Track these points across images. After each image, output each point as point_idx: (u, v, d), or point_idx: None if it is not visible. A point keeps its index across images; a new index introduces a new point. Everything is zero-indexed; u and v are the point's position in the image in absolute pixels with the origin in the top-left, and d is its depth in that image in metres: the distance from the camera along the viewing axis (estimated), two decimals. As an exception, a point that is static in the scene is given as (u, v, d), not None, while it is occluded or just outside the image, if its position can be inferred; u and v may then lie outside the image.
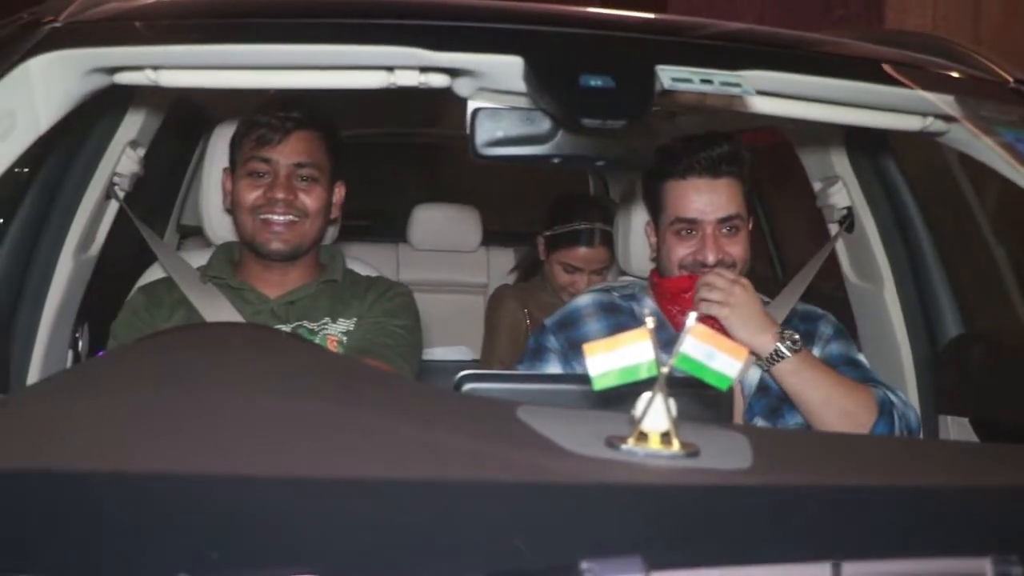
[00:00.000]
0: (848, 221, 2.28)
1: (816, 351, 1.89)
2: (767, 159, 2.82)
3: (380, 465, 0.89)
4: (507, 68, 1.39)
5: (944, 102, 1.51)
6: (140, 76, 1.46)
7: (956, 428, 2.09)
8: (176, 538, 0.77)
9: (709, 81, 1.35)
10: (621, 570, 0.75)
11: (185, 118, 2.69)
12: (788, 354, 1.74)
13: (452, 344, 3.18)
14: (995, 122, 1.44)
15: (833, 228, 2.33)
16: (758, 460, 0.99)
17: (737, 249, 1.86)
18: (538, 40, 1.41)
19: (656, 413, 1.00)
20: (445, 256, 3.57)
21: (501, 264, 3.56)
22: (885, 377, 2.12)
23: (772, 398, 1.84)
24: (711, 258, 1.85)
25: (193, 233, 3.02)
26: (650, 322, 1.01)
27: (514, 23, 1.44)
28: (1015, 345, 2.12)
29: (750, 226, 1.94)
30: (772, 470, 0.97)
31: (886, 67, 1.54)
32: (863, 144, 2.23)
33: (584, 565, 0.75)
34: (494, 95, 1.51)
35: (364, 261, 2.31)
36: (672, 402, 1.00)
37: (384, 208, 3.79)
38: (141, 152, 2.16)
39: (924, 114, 1.61)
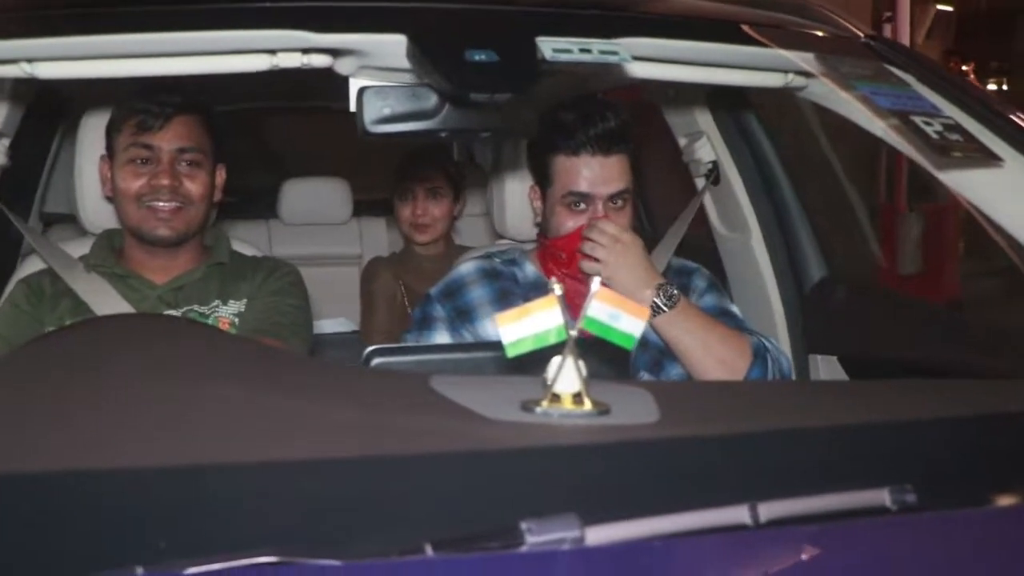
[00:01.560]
0: (714, 174, 2.37)
1: None
2: (632, 117, 2.90)
3: (310, 446, 0.92)
4: (391, 47, 1.41)
5: (802, 59, 1.60)
6: (15, 69, 1.43)
7: (825, 366, 2.21)
8: (125, 530, 0.79)
9: (588, 50, 1.40)
10: (558, 528, 0.80)
11: (42, 104, 2.60)
12: (665, 309, 1.81)
13: (331, 317, 3.18)
14: (851, 76, 1.53)
15: (700, 182, 2.42)
16: (665, 413, 1.05)
17: (625, 221, 1.92)
18: (421, 17, 1.43)
19: (567, 375, 1.06)
20: (317, 229, 3.55)
21: (374, 234, 3.57)
22: (756, 322, 2.24)
23: (653, 351, 1.92)
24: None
25: (57, 221, 2.94)
26: (558, 288, 1.06)
27: (396, 1, 1.45)
28: (874, 285, 2.25)
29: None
30: (679, 422, 1.04)
31: (749, 28, 1.61)
32: (725, 100, 2.33)
33: (523, 525, 0.80)
34: (377, 72, 1.53)
35: (246, 241, 2.30)
36: (581, 364, 1.06)
37: (252, 184, 3.73)
38: (6, 143, 2.09)
39: (785, 71, 1.69)
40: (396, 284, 3.04)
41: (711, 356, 1.83)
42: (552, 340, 1.06)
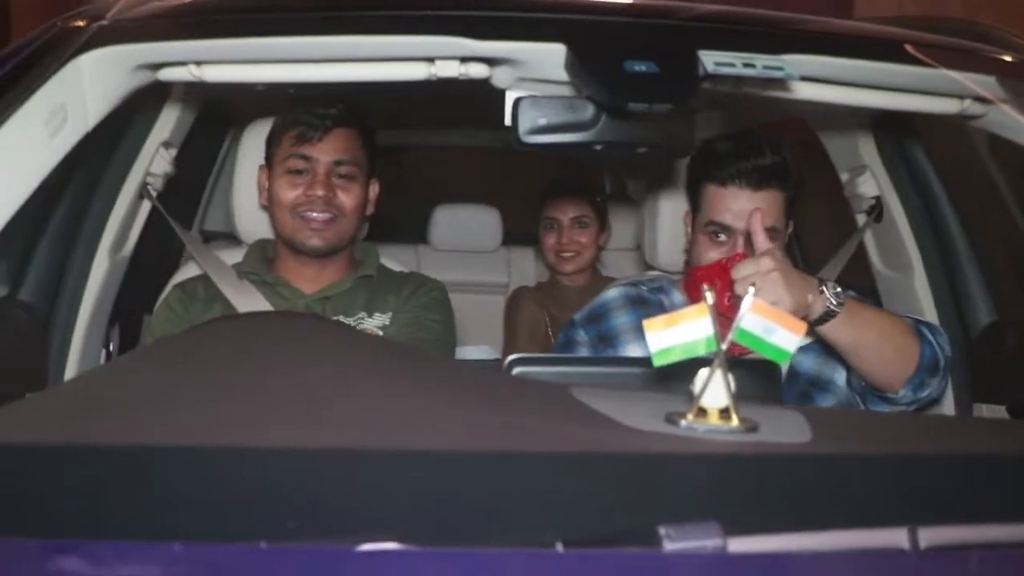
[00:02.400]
0: (877, 210, 2.28)
1: None
2: (793, 153, 2.82)
3: (445, 439, 0.90)
4: (549, 56, 1.40)
5: (983, 84, 1.52)
6: (183, 72, 1.48)
7: (992, 416, 2.09)
8: (256, 508, 0.78)
9: (752, 65, 1.36)
10: (699, 536, 0.76)
11: (212, 120, 2.70)
12: (837, 309, 1.65)
13: (474, 344, 3.19)
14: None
15: (861, 218, 2.33)
16: (817, 434, 0.99)
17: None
18: (581, 28, 1.42)
19: (715, 389, 1.01)
20: (466, 256, 3.57)
21: (522, 264, 3.57)
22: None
23: (801, 383, 1.84)
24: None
25: (214, 238, 3.03)
26: (709, 296, 1.02)
27: (557, 12, 1.45)
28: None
29: (788, 234, 1.94)
30: (833, 443, 0.98)
31: (923, 50, 1.54)
32: (890, 132, 2.24)
33: (662, 531, 0.76)
34: (532, 84, 1.52)
35: (395, 259, 2.32)
36: (731, 378, 1.01)
37: (407, 210, 3.79)
38: (174, 152, 2.17)
39: (962, 96, 1.61)
40: (541, 313, 3.03)
41: (885, 344, 1.70)
42: (702, 351, 1.02)
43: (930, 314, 2.22)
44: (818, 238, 3.09)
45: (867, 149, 2.27)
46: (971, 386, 2.16)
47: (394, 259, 2.72)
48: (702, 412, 1.01)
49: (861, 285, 2.39)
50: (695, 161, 1.87)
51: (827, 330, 1.66)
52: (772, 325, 1.04)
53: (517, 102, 1.44)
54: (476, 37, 1.40)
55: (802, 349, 1.87)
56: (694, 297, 1.97)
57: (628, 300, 2.03)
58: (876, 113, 2.17)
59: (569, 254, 3.01)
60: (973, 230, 2.23)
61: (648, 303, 2.02)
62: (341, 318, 2.01)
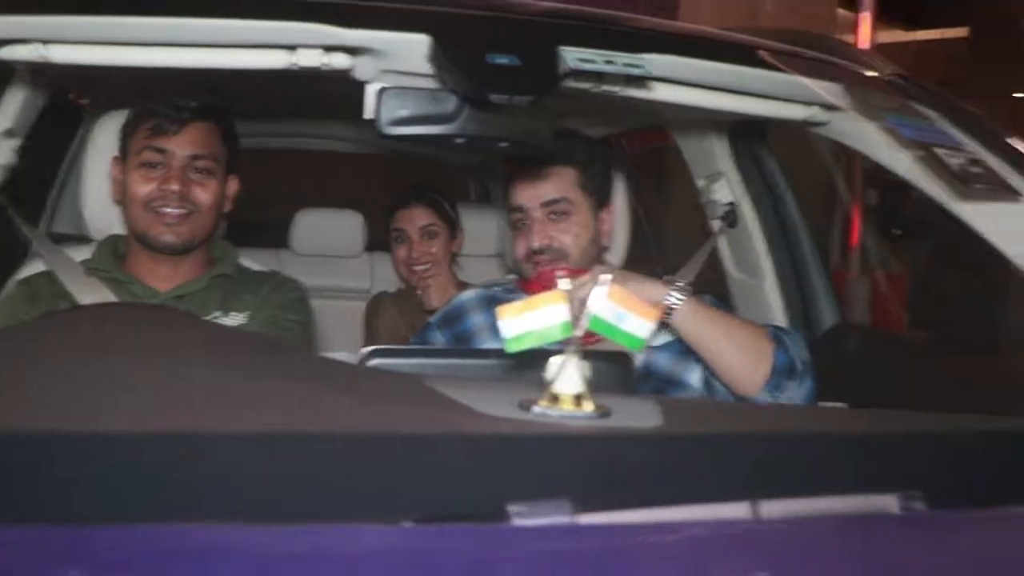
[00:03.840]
0: (731, 217, 2.34)
1: None
2: (654, 160, 2.89)
3: (293, 421, 0.89)
4: (414, 47, 1.40)
5: (831, 91, 1.58)
6: (29, 51, 1.41)
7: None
8: (103, 490, 0.75)
9: (612, 62, 1.38)
10: (548, 512, 0.76)
11: (58, 113, 2.60)
12: (678, 303, 1.73)
13: (335, 350, 3.14)
14: (878, 109, 1.51)
15: (716, 225, 2.39)
16: (668, 420, 1.01)
17: (566, 236, 1.91)
18: (445, 19, 1.42)
19: (569, 375, 1.02)
20: (328, 261, 3.53)
21: (385, 269, 3.54)
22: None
23: (658, 381, 1.88)
24: (536, 243, 1.90)
25: (64, 241, 2.92)
26: (563, 284, 1.03)
27: (423, 3, 1.44)
28: (888, 332, 2.21)
29: (606, 215, 2.01)
30: (682, 426, 1.00)
31: (776, 57, 1.60)
32: (744, 140, 2.31)
33: (512, 508, 0.76)
34: (395, 76, 1.51)
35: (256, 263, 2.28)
36: (585, 364, 1.02)
37: (266, 215, 3.72)
38: (17, 142, 2.08)
39: (809, 103, 1.67)
40: (401, 320, 3.00)
41: (734, 343, 1.76)
42: (556, 337, 1.02)
43: (780, 317, 2.29)
44: (683, 246, 3.17)
45: (722, 156, 2.33)
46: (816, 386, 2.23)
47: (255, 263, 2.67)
48: (555, 398, 1.01)
49: (717, 292, 2.45)
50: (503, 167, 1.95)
51: (674, 322, 1.74)
52: (624, 312, 1.05)
53: (380, 93, 1.43)
54: (340, 25, 1.39)
55: (657, 348, 1.91)
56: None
57: (483, 301, 2.05)
58: (731, 121, 2.24)
59: (421, 267, 2.99)
60: (818, 235, 2.32)
61: (501, 303, 2.03)
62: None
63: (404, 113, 1.42)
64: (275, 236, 3.58)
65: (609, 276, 1.04)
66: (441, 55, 1.35)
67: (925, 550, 0.83)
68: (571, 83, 1.42)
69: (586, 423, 0.98)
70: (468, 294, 2.09)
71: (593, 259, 1.99)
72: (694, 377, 1.91)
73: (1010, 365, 2.03)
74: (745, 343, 1.77)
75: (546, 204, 1.92)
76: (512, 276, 2.27)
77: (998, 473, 0.92)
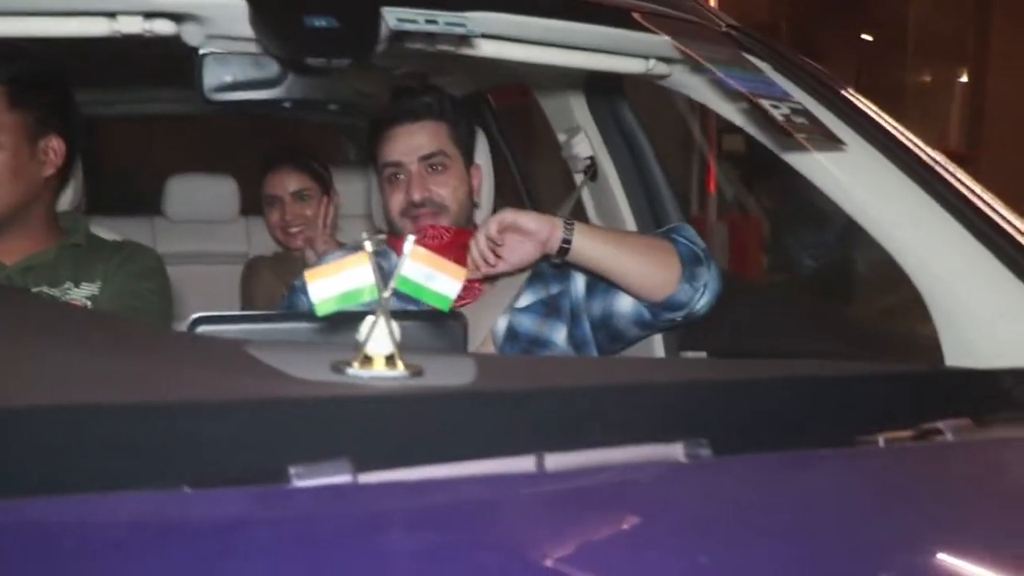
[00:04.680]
0: (592, 170, 2.36)
1: None
2: (522, 116, 2.90)
3: (92, 393, 0.88)
4: (233, 11, 1.37)
5: (664, 45, 1.59)
6: None
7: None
8: None
9: (434, 21, 1.38)
10: (328, 473, 0.77)
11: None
12: (570, 231, 1.75)
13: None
14: (708, 61, 1.53)
15: (579, 178, 2.41)
16: (480, 378, 1.03)
17: (444, 189, 1.92)
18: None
19: (379, 336, 1.02)
20: (203, 227, 3.48)
21: (261, 233, 3.50)
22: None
23: (522, 342, 1.90)
24: (416, 196, 1.90)
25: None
26: (369, 245, 1.03)
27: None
28: (745, 281, 2.26)
29: (475, 172, 2.03)
30: (489, 384, 1.01)
31: (609, 10, 1.61)
32: (601, 95, 2.32)
33: (292, 470, 0.77)
34: (223, 42, 1.49)
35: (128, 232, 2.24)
36: (395, 325, 1.03)
37: (138, 181, 3.65)
38: None
39: (647, 57, 1.69)
40: (277, 283, 2.97)
41: (637, 252, 1.79)
42: (364, 299, 1.03)
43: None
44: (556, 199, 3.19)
45: (580, 111, 2.34)
46: (677, 335, 2.28)
47: (128, 232, 2.62)
48: (368, 360, 1.02)
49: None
50: (370, 124, 1.95)
51: (575, 254, 1.75)
52: (433, 272, 1.06)
53: (201, 58, 1.41)
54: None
55: (522, 310, 1.93)
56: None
57: None
58: (587, 76, 2.25)
59: (295, 229, 2.96)
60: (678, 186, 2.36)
61: None
62: (45, 288, 1.92)
63: (227, 79, 1.41)
64: (149, 203, 3.53)
65: (412, 238, 1.04)
66: (259, 19, 1.33)
67: (710, 495, 0.86)
68: (398, 43, 1.41)
69: (393, 383, 0.99)
70: (336, 254, 2.08)
71: (468, 215, 1.99)
72: (559, 336, 1.93)
73: (845, 309, 2.10)
74: (647, 249, 1.80)
75: (424, 158, 1.92)
76: (381, 236, 2.27)
77: (785, 419, 0.95)
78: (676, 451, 0.87)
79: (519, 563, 0.73)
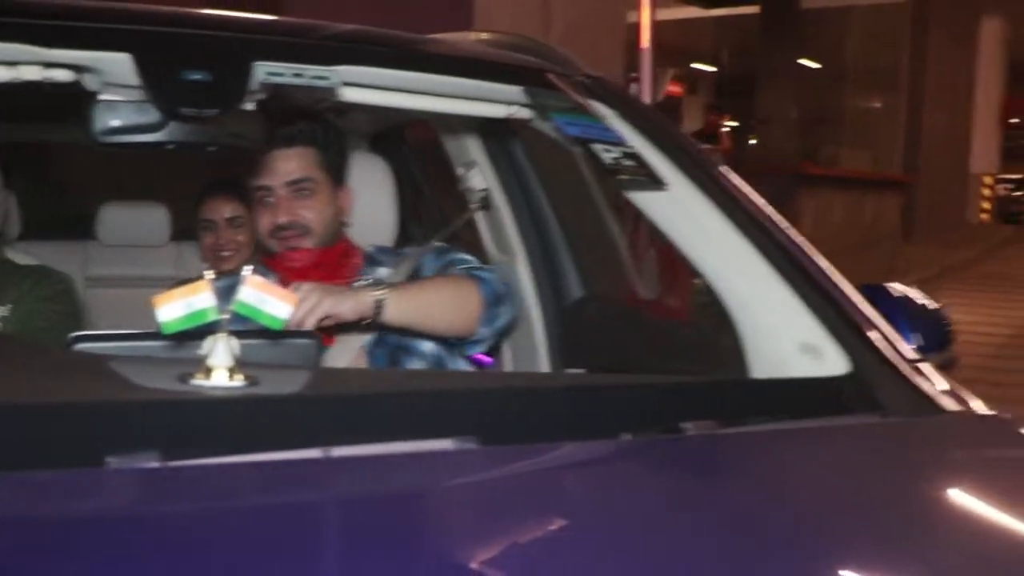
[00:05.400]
0: (485, 201, 2.55)
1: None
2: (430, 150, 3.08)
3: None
4: (120, 64, 1.55)
5: (514, 94, 1.78)
6: None
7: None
8: None
9: (300, 75, 1.56)
10: (140, 461, 0.95)
11: None
12: (382, 296, 1.87)
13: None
14: (550, 108, 1.72)
15: (473, 208, 2.59)
16: (307, 387, 1.21)
17: (310, 213, 2.08)
18: (146, 37, 1.57)
19: (220, 351, 1.20)
20: (134, 251, 3.64)
21: (190, 258, 3.66)
22: (521, 340, 2.44)
23: (390, 347, 2.07)
24: (282, 219, 2.06)
25: None
26: (208, 274, 1.21)
27: (124, 23, 1.59)
28: (620, 303, 2.46)
29: (344, 194, 2.19)
30: (310, 391, 1.19)
31: (466, 62, 1.80)
32: (495, 134, 2.51)
33: (109, 460, 0.94)
34: (118, 89, 1.66)
35: (29, 253, 2.39)
36: (235, 341, 1.21)
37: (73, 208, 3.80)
38: None
39: (508, 103, 1.87)
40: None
41: (443, 306, 1.96)
42: (206, 320, 1.20)
43: (529, 292, 2.51)
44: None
45: (475, 147, 2.53)
46: (562, 354, 2.47)
47: (61, 255, 2.77)
48: (209, 371, 1.20)
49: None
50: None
51: (391, 318, 1.89)
52: (266, 297, 1.24)
53: (92, 104, 1.58)
54: (48, 46, 1.52)
55: None
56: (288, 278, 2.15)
57: (226, 290, 2.18)
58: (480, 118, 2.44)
59: (227, 253, 3.13)
60: (568, 219, 2.55)
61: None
62: (-40, 310, 2.08)
63: (115, 123, 1.57)
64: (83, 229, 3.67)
65: (250, 268, 1.23)
66: (142, 71, 1.50)
67: (471, 477, 1.04)
68: (264, 94, 1.58)
69: (230, 392, 1.17)
70: (222, 282, 2.23)
71: (335, 234, 2.16)
72: (426, 345, 2.10)
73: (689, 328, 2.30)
74: (452, 299, 1.98)
75: (291, 183, 2.08)
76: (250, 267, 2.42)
77: (547, 419, 1.14)
78: (447, 443, 1.05)
79: (296, 527, 0.90)
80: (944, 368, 1.71)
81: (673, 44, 16.91)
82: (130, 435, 0.98)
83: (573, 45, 6.22)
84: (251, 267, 1.25)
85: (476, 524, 0.93)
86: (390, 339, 2.06)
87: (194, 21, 1.62)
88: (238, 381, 1.19)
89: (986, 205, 19.29)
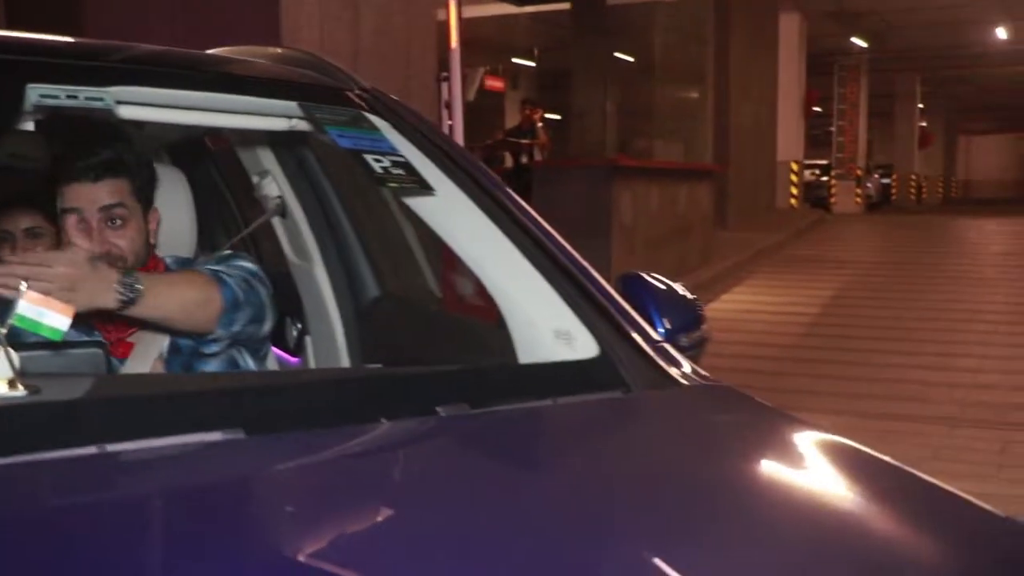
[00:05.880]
0: (280, 208, 2.65)
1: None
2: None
3: None
4: None
5: (289, 108, 1.89)
6: None
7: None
8: None
9: (75, 96, 1.63)
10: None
11: None
12: (132, 294, 1.83)
13: None
14: (324, 121, 1.84)
15: (270, 214, 2.69)
16: (87, 392, 1.30)
17: (123, 241, 2.08)
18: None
19: (1, 361, 1.28)
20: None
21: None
22: (322, 340, 2.56)
23: (185, 355, 2.14)
24: (97, 249, 2.01)
25: None
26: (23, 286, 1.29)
27: None
28: (422, 303, 2.61)
29: (153, 216, 2.19)
30: (88, 395, 1.29)
31: (241, 80, 1.90)
32: (287, 144, 2.61)
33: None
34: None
35: None
36: (14, 353, 1.29)
37: None
38: None
39: (289, 117, 1.98)
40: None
41: (187, 306, 1.97)
42: (-14, 333, 1.28)
43: (327, 294, 2.62)
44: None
45: (267, 157, 2.62)
46: (362, 351, 2.59)
47: None
48: (-8, 382, 1.28)
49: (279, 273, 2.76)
50: (53, 167, 2.10)
51: (136, 313, 1.88)
52: (44, 310, 1.33)
53: None
54: None
55: None
56: None
57: None
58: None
59: None
60: (362, 223, 2.67)
61: None
62: None
63: None
64: None
65: (25, 284, 1.31)
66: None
67: (236, 465, 1.16)
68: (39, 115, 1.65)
69: (12, 400, 1.25)
70: None
71: (145, 256, 2.21)
72: (216, 345, 2.17)
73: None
74: (194, 301, 1.98)
75: (104, 209, 2.05)
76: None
77: (312, 407, 1.28)
78: (215, 435, 1.17)
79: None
80: (697, 346, 1.93)
81: (493, 39, 17.22)
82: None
83: (383, 45, 6.36)
84: (26, 283, 1.33)
85: (232, 509, 1.06)
86: (184, 346, 2.13)
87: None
88: (18, 391, 1.27)
89: (794, 191, 20.30)
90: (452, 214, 1.86)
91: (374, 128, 1.93)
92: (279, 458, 1.18)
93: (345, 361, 2.60)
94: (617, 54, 14.38)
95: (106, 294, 1.80)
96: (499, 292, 1.79)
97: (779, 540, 1.14)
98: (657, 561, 1.02)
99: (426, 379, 1.49)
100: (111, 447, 1.11)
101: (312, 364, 2.69)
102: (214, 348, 2.09)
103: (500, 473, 1.26)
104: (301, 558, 0.99)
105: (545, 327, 1.71)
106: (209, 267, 2.10)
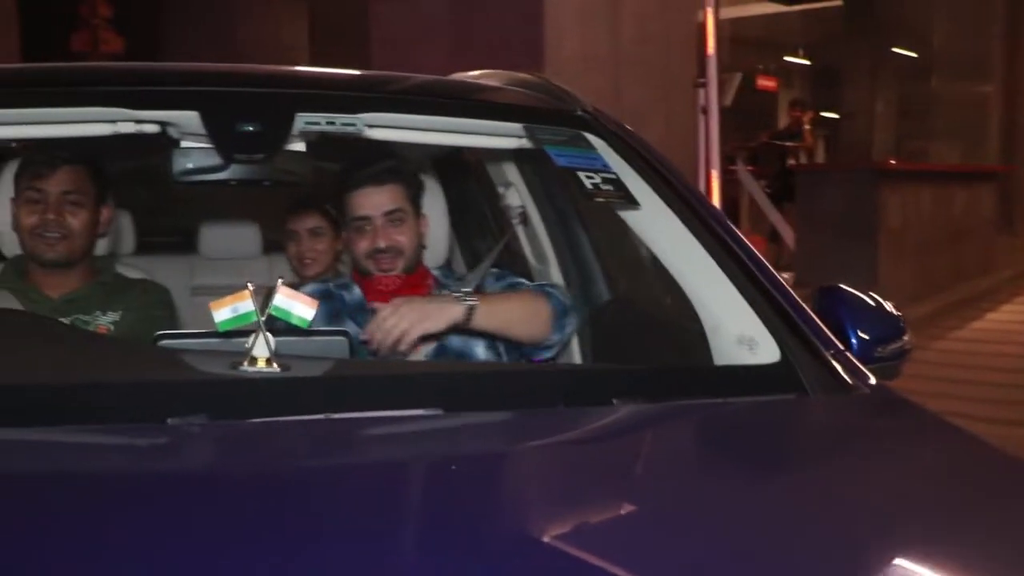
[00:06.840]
0: (523, 217, 2.90)
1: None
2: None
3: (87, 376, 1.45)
4: (191, 120, 1.95)
5: (514, 129, 2.13)
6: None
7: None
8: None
9: (332, 123, 1.94)
10: (192, 420, 1.33)
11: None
12: (475, 303, 2.23)
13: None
14: (544, 141, 2.06)
15: (514, 223, 2.95)
16: (327, 373, 1.59)
17: (402, 238, 2.44)
18: (210, 97, 1.96)
19: (260, 344, 1.58)
20: (233, 263, 4.10)
21: (280, 268, 4.11)
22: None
23: (450, 357, 2.40)
24: (382, 243, 2.41)
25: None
26: (250, 286, 1.59)
27: (191, 85, 1.99)
28: (647, 308, 2.79)
29: (423, 221, 2.53)
30: (329, 374, 1.57)
31: (476, 105, 2.15)
32: (527, 158, 2.85)
33: (169, 421, 1.33)
34: (195, 138, 2.06)
35: (137, 267, 2.84)
36: (271, 336, 1.58)
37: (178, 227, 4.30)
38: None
39: (518, 136, 2.21)
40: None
41: (521, 316, 2.32)
42: (249, 321, 1.58)
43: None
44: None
45: (511, 170, 2.88)
46: (593, 350, 2.80)
47: (170, 266, 3.21)
48: (254, 360, 1.58)
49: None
50: (339, 179, 2.46)
51: (478, 324, 2.25)
52: (294, 303, 1.62)
53: (170, 151, 1.98)
54: (133, 107, 1.93)
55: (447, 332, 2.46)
56: (368, 293, 2.54)
57: (318, 295, 2.59)
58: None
59: (309, 260, 3.55)
60: (594, 232, 2.88)
61: (333, 297, 2.58)
62: (80, 316, 2.52)
63: (189, 166, 1.97)
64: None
65: (282, 279, 1.60)
66: (207, 125, 1.90)
67: (437, 437, 1.41)
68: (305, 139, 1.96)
69: (265, 375, 1.55)
70: (308, 288, 2.62)
71: (419, 256, 2.53)
72: (478, 350, 2.46)
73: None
74: (527, 311, 2.34)
75: (387, 213, 2.43)
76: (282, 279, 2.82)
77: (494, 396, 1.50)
78: (419, 412, 1.41)
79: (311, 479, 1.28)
80: (896, 357, 2.01)
81: (763, 38, 16.94)
82: (186, 403, 1.38)
83: (644, 53, 6.45)
84: (281, 279, 1.63)
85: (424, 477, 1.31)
86: (451, 348, 2.41)
87: (246, 79, 2.01)
88: (273, 368, 1.57)
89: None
90: (660, 226, 2.04)
91: (590, 147, 2.13)
92: (465, 432, 1.41)
93: (577, 360, 2.81)
94: (894, 49, 13.82)
95: (452, 309, 2.17)
96: (696, 299, 1.95)
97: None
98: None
99: (606, 375, 1.68)
100: (335, 416, 1.38)
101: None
102: (548, 354, 2.38)
103: (659, 463, 1.44)
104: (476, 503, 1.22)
105: (730, 333, 1.86)
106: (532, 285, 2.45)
